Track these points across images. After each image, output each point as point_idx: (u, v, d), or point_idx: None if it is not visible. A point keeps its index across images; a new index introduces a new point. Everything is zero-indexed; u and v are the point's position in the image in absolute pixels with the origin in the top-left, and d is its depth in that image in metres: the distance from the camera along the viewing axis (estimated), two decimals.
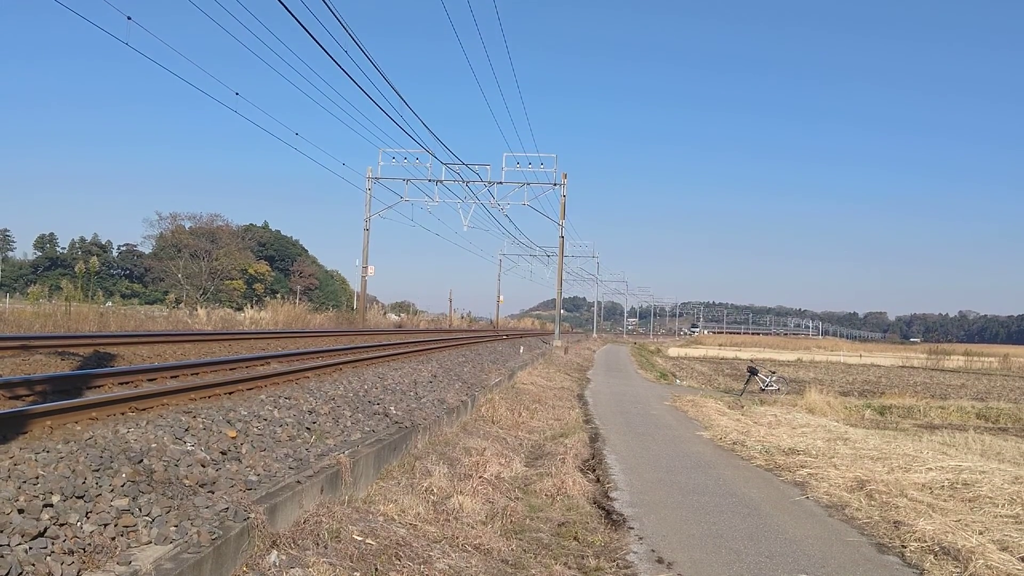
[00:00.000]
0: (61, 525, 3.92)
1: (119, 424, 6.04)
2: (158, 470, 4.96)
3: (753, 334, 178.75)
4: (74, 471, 4.53)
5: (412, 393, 11.53)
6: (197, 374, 9.98)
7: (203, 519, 4.48)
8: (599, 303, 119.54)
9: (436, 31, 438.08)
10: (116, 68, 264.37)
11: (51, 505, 4.06)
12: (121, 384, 8.45)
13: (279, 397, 8.48)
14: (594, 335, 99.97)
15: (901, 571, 6.08)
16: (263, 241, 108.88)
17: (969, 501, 8.24)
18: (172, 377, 9.44)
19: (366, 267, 42.19)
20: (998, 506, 7.94)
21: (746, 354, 65.98)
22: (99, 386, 8.14)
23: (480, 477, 8.17)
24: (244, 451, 6.14)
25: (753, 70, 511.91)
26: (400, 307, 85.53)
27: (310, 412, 8.14)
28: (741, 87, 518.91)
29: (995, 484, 8.73)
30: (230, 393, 8.59)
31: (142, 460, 5.07)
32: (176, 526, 4.30)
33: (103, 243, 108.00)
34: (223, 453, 5.91)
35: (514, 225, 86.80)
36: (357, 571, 4.94)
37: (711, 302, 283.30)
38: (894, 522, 7.30)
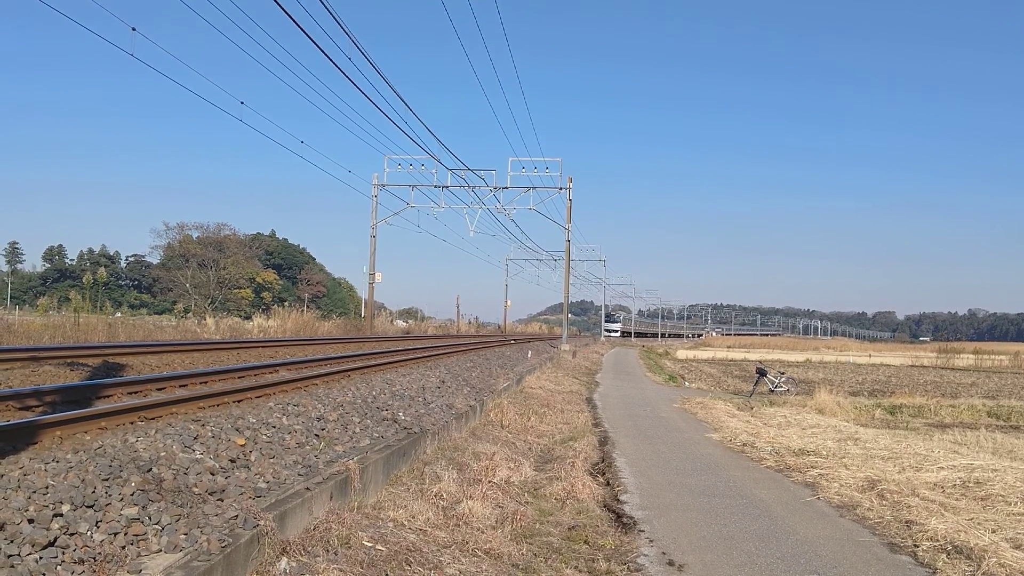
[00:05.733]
0: (71, 534, 3.93)
1: (128, 433, 6.05)
2: (167, 478, 4.98)
3: (762, 335, 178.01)
4: (84, 480, 4.54)
5: (421, 399, 11.53)
6: (206, 383, 10.00)
7: (213, 527, 4.49)
8: (607, 306, 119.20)
9: (440, 37, 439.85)
10: (121, 79, 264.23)
11: (61, 515, 4.07)
12: (130, 394, 8.48)
13: (288, 404, 8.49)
14: (602, 338, 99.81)
15: (914, 570, 6.04)
16: (270, 249, 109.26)
17: (981, 499, 8.20)
18: (181, 386, 9.46)
19: (373, 274, 42.24)
20: (1011, 504, 7.90)
21: (755, 355, 65.76)
22: (108, 396, 8.17)
23: (489, 482, 8.15)
24: (253, 458, 6.14)
25: (760, 72, 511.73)
26: (408, 313, 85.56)
27: (319, 419, 8.15)
28: (747, 89, 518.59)
29: (1007, 482, 8.69)
30: (239, 401, 8.60)
31: (151, 469, 5.08)
32: (186, 534, 4.31)
33: (111, 254, 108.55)
34: (232, 461, 5.92)
35: (520, 230, 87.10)
36: None
37: (719, 304, 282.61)
38: (906, 522, 7.26)
